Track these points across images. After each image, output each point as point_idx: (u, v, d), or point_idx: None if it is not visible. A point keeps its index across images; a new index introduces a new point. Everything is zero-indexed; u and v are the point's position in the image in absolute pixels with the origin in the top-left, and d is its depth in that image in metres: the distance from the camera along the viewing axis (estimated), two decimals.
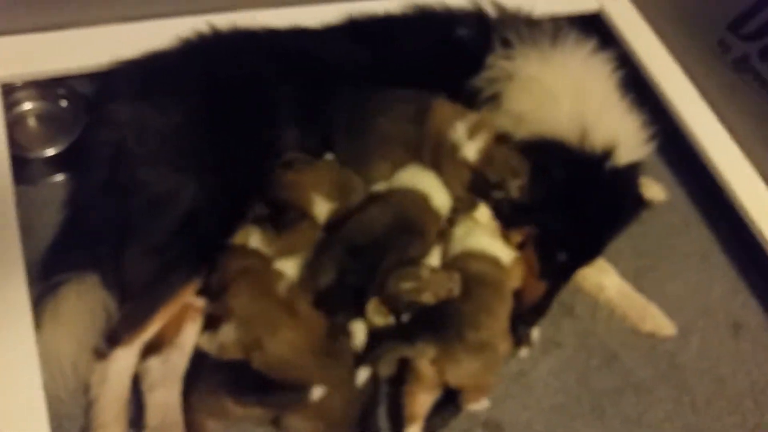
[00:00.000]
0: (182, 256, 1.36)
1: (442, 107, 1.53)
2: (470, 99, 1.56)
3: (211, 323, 1.36)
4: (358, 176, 1.53)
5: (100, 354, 1.31)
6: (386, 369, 1.38)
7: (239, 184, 1.45)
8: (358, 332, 1.35)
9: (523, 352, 1.49)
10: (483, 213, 1.51)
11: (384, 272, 1.36)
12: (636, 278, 1.68)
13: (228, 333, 1.29)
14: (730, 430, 1.52)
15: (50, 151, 1.61)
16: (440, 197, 1.52)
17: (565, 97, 1.51)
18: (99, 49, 1.58)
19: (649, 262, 1.75)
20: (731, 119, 1.84)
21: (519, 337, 1.46)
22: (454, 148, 1.49)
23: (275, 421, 1.30)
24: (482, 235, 1.49)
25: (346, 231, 1.42)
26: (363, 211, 1.46)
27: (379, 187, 1.54)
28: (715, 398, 1.56)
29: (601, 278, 1.65)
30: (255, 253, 1.40)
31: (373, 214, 1.46)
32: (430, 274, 1.39)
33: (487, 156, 1.48)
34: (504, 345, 1.41)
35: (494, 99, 1.56)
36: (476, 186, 1.48)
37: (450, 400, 1.37)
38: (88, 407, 1.29)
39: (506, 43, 1.59)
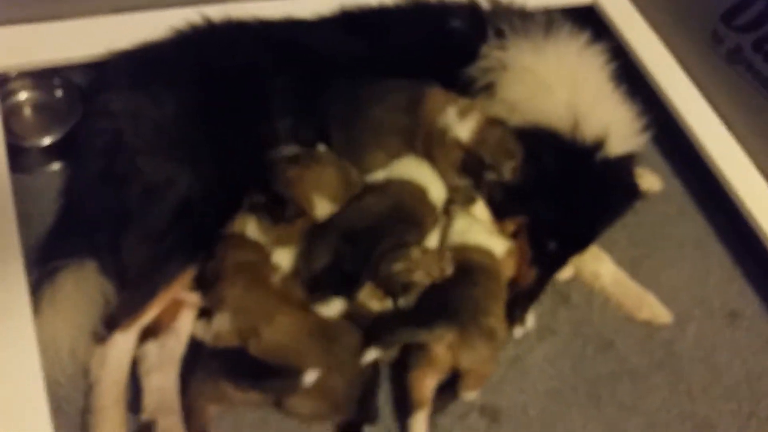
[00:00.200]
0: (178, 244, 1.36)
1: (436, 95, 1.54)
2: (465, 89, 1.57)
3: (205, 312, 1.36)
4: (355, 170, 1.54)
5: (99, 338, 1.32)
6: (390, 353, 1.39)
7: (234, 174, 1.45)
8: (333, 307, 1.34)
9: (518, 331, 1.49)
10: (480, 209, 1.52)
11: (378, 257, 1.37)
12: (632, 267, 1.69)
13: (222, 322, 1.30)
14: (726, 418, 1.52)
15: (46, 141, 1.62)
16: (437, 190, 1.52)
17: (558, 87, 1.52)
18: (94, 40, 1.59)
19: (645, 251, 1.76)
20: (725, 109, 1.85)
21: (512, 321, 1.47)
22: (443, 132, 1.50)
23: (278, 403, 1.31)
24: (480, 231, 1.50)
25: (342, 217, 1.43)
26: (360, 199, 1.47)
27: (375, 177, 1.54)
28: (711, 386, 1.57)
29: (597, 266, 1.65)
30: (253, 245, 1.41)
31: (370, 202, 1.47)
32: (421, 255, 1.39)
33: (480, 137, 1.49)
34: (503, 332, 1.43)
35: (489, 88, 1.57)
36: (469, 166, 1.48)
37: (448, 385, 1.37)
38: (87, 391, 1.30)
39: (500, 34, 1.59)
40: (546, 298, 1.60)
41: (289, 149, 1.52)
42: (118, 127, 1.44)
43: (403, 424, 1.36)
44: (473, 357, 1.34)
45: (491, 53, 1.58)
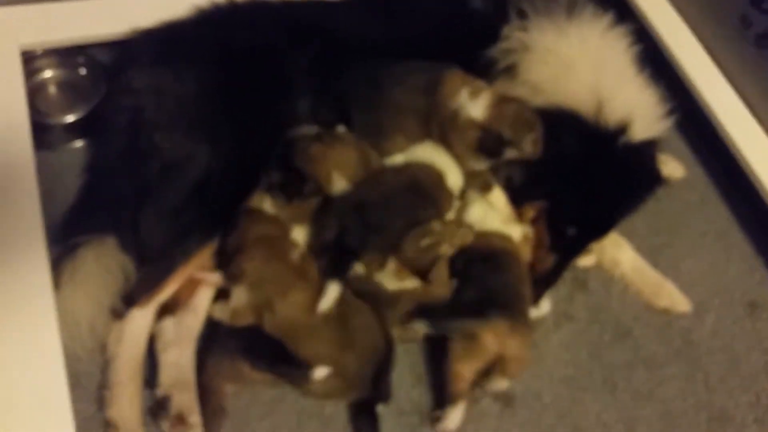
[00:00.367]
0: (196, 221, 1.38)
1: (454, 78, 1.52)
2: (486, 70, 1.56)
3: (223, 294, 1.38)
4: (375, 152, 1.53)
5: (117, 314, 1.34)
6: (411, 336, 1.42)
7: (253, 152, 1.46)
8: (331, 292, 1.34)
9: (533, 311, 1.48)
10: (498, 196, 1.52)
11: (395, 235, 1.37)
12: (652, 255, 1.67)
13: (240, 296, 1.31)
14: (743, 409, 1.51)
15: (70, 118, 1.65)
16: (454, 176, 1.51)
17: (581, 68, 1.50)
18: (118, 18, 1.61)
19: (666, 239, 1.74)
20: (752, 96, 1.81)
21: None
22: (456, 113, 1.48)
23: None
24: (496, 218, 1.49)
25: (357, 191, 1.43)
26: (377, 176, 1.47)
27: (394, 160, 1.53)
28: (729, 376, 1.55)
29: (617, 254, 1.64)
30: (273, 219, 1.42)
31: (387, 177, 1.47)
32: (442, 227, 1.40)
33: (496, 113, 1.46)
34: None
35: (510, 70, 1.55)
36: (487, 145, 1.45)
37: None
38: (104, 365, 1.33)
39: (522, 15, 1.57)
40: (563, 285, 1.60)
41: (308, 129, 1.52)
42: (140, 104, 1.46)
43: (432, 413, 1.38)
44: (520, 344, 1.35)
45: (513, 34, 1.56)
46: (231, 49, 1.54)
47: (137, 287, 1.35)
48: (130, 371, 1.30)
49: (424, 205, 1.43)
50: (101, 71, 1.70)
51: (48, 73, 1.73)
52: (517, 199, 1.53)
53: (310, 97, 1.55)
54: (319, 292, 1.32)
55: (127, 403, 1.28)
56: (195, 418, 1.28)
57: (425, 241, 1.37)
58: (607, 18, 1.59)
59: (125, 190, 1.43)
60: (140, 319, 1.33)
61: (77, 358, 1.31)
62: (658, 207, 1.69)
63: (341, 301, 1.33)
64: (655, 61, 1.71)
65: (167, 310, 1.36)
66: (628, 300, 1.63)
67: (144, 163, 1.41)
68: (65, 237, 1.39)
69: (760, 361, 1.59)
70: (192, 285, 1.38)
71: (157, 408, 1.31)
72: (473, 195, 1.51)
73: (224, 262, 1.37)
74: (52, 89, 1.73)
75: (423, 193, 1.45)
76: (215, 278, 1.38)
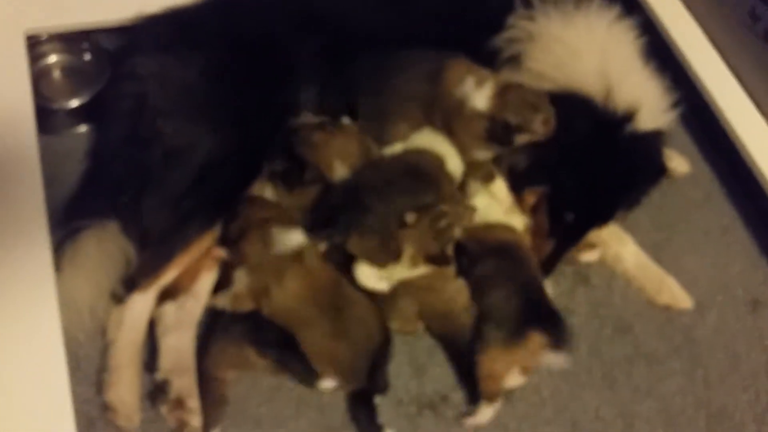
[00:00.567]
0: (198, 207, 1.38)
1: (458, 66, 1.51)
2: (491, 59, 1.55)
3: (223, 283, 1.39)
4: (375, 145, 1.54)
5: (118, 298, 1.35)
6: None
7: (256, 140, 1.46)
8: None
9: None
10: (500, 187, 1.51)
11: (391, 217, 1.38)
12: (654, 251, 1.66)
13: (240, 279, 1.32)
14: (742, 408, 1.50)
15: (74, 103, 1.66)
16: (454, 162, 1.51)
17: (588, 55, 1.49)
18: (123, 4, 1.61)
19: (668, 236, 1.73)
20: (759, 92, 1.79)
21: None
22: (461, 103, 1.47)
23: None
24: (499, 209, 1.50)
25: (357, 174, 1.45)
26: (377, 161, 1.49)
27: (393, 149, 1.54)
28: (729, 374, 1.54)
29: (620, 248, 1.63)
30: (275, 206, 1.43)
31: (387, 162, 1.48)
32: (451, 208, 1.40)
33: (500, 101, 1.45)
34: None
35: (515, 59, 1.55)
36: (495, 134, 1.45)
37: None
38: (104, 349, 1.33)
39: (527, 4, 1.57)
40: (565, 279, 1.59)
41: (312, 118, 1.52)
42: (144, 89, 1.46)
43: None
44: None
45: (519, 23, 1.56)
46: (236, 37, 1.54)
47: (138, 272, 1.36)
48: (129, 355, 1.31)
49: (425, 188, 1.44)
50: (106, 57, 1.71)
51: (53, 58, 1.74)
52: (518, 185, 1.52)
53: (317, 85, 1.56)
54: (314, 279, 1.33)
55: (125, 387, 1.29)
56: (193, 403, 1.28)
57: (442, 222, 1.37)
58: (614, 11, 1.58)
59: (128, 175, 1.43)
60: (140, 303, 1.34)
61: (77, 341, 1.32)
62: (661, 202, 1.69)
63: (337, 292, 1.34)
64: (662, 56, 1.69)
65: (168, 294, 1.37)
66: (629, 296, 1.62)
67: (147, 149, 1.42)
68: (67, 221, 1.40)
69: (761, 359, 1.58)
70: (194, 270, 1.38)
71: (156, 392, 1.31)
72: (475, 186, 1.51)
73: (228, 246, 1.38)
74: (57, 74, 1.74)
75: (423, 177, 1.45)
76: (224, 253, 1.39)
